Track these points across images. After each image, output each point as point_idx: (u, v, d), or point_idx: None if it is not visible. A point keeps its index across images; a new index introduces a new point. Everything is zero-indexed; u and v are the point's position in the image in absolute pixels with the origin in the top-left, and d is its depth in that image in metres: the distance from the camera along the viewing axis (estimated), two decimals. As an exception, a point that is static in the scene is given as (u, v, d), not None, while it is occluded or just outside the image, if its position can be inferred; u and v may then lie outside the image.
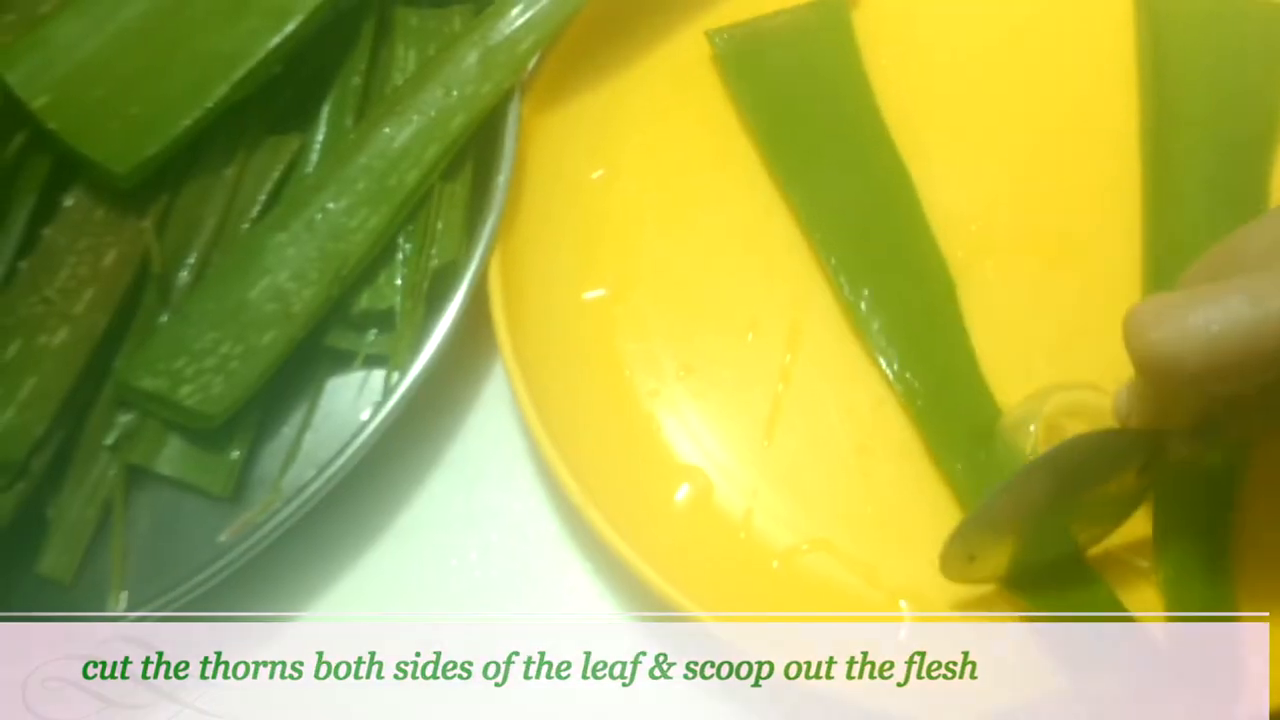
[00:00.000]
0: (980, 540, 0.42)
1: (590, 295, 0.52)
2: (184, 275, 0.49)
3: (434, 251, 0.49)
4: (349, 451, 0.44)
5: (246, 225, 0.50)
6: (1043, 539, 0.43)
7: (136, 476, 0.48)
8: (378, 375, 0.50)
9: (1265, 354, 0.35)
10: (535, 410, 0.46)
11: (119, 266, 0.49)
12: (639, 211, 0.53)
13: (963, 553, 0.42)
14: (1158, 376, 0.37)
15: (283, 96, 0.52)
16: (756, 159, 0.54)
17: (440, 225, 0.50)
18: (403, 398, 0.45)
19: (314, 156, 0.52)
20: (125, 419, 0.48)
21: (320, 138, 0.52)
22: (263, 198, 0.51)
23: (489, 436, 0.49)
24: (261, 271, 0.48)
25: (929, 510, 0.46)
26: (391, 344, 0.48)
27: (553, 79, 0.54)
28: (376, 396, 0.49)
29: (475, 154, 0.51)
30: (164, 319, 0.49)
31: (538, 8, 0.52)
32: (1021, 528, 0.42)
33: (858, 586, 0.45)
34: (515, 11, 0.52)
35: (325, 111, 0.52)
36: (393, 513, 0.48)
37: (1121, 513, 0.43)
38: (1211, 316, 0.35)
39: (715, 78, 0.56)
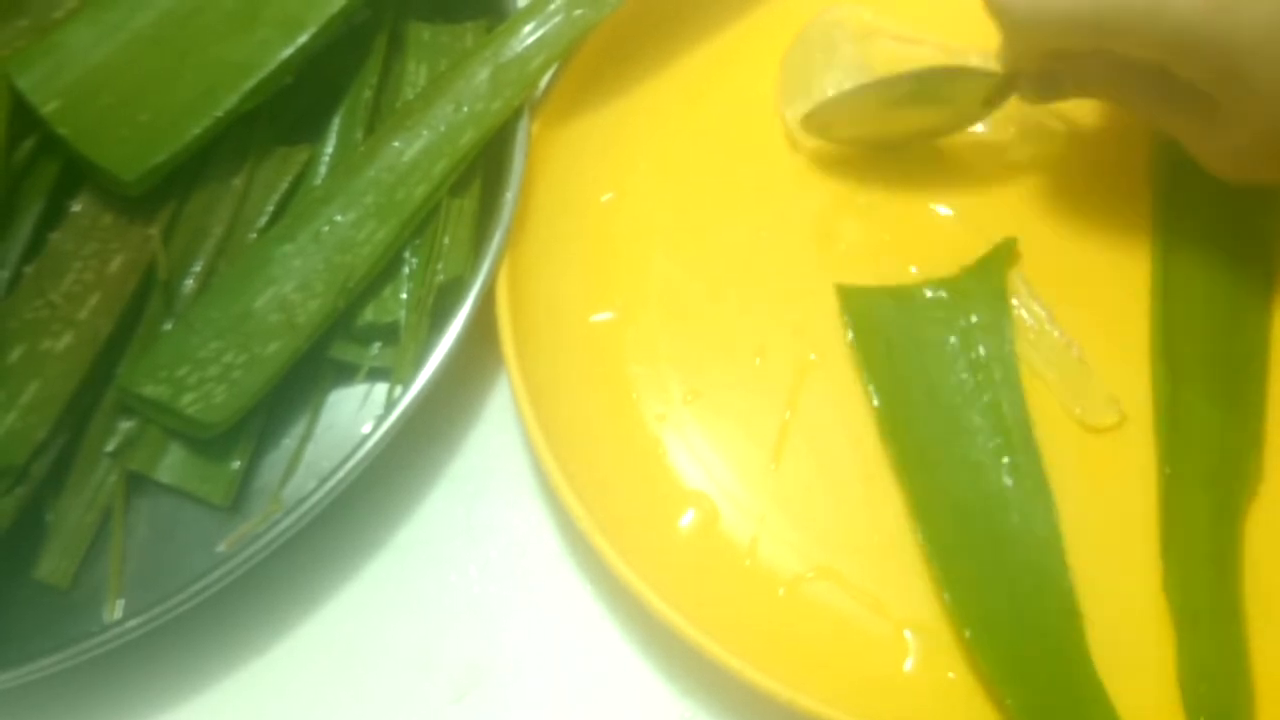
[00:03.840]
0: (838, 115, 0.52)
1: (598, 317, 0.51)
2: (189, 283, 0.49)
3: (440, 267, 0.49)
4: (350, 464, 0.44)
5: (253, 235, 0.50)
6: (892, 123, 0.52)
7: (136, 483, 0.48)
8: (380, 388, 0.50)
9: (1081, 21, 0.42)
10: (541, 432, 0.45)
11: (125, 273, 0.48)
12: (647, 235, 0.53)
13: (821, 120, 0.53)
14: (993, 13, 0.45)
15: (293, 108, 0.52)
16: (766, 183, 0.54)
17: (447, 240, 0.50)
18: (405, 412, 0.45)
19: (323, 168, 0.52)
20: (126, 425, 0.48)
21: (329, 150, 0.52)
22: (270, 208, 0.51)
23: (490, 452, 0.49)
24: (267, 282, 0.48)
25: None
26: (395, 358, 0.48)
27: (563, 100, 0.54)
28: (379, 410, 0.49)
29: (484, 170, 0.51)
30: (168, 326, 0.49)
31: (550, 26, 0.52)
32: (876, 115, 0.52)
33: (864, 616, 0.45)
34: (527, 29, 0.52)
35: (335, 124, 0.53)
36: (393, 526, 0.48)
37: (962, 122, 0.53)
38: None
39: (725, 100, 0.56)
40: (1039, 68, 0.48)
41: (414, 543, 0.48)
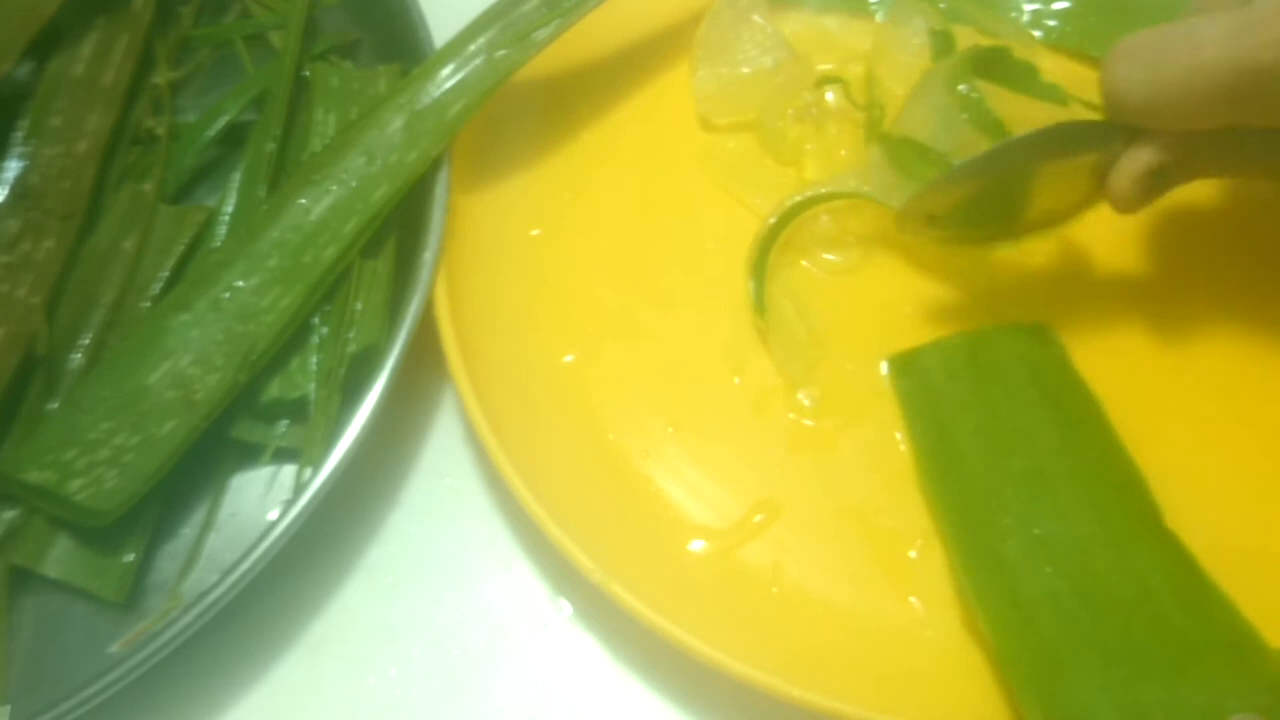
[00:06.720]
0: (940, 203, 0.47)
1: (559, 361, 0.49)
2: (77, 358, 0.47)
3: (352, 335, 0.47)
4: (255, 555, 0.42)
5: (147, 303, 0.48)
6: (997, 213, 0.48)
7: (20, 578, 0.45)
8: (288, 471, 0.48)
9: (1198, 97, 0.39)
10: (530, 492, 0.43)
11: (5, 348, 0.46)
12: (587, 266, 0.52)
13: (922, 212, 0.47)
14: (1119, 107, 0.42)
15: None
16: (699, 192, 0.53)
17: (359, 306, 0.48)
18: (315, 496, 0.43)
19: (222, 229, 0.50)
20: (9, 515, 0.45)
21: (230, 208, 0.50)
22: (165, 274, 0.49)
23: (410, 540, 0.47)
24: (162, 355, 0.46)
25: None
26: (304, 437, 0.46)
27: (482, 137, 0.52)
28: (286, 494, 0.47)
29: (399, 228, 0.50)
30: (53, 406, 0.46)
31: (470, 69, 0.50)
32: (981, 200, 0.46)
33: (902, 625, 0.43)
34: (445, 73, 0.50)
35: (236, 179, 0.51)
36: (303, 623, 0.45)
37: (1070, 209, 0.48)
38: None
39: (639, 115, 0.55)
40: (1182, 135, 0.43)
41: (326, 641, 0.45)
